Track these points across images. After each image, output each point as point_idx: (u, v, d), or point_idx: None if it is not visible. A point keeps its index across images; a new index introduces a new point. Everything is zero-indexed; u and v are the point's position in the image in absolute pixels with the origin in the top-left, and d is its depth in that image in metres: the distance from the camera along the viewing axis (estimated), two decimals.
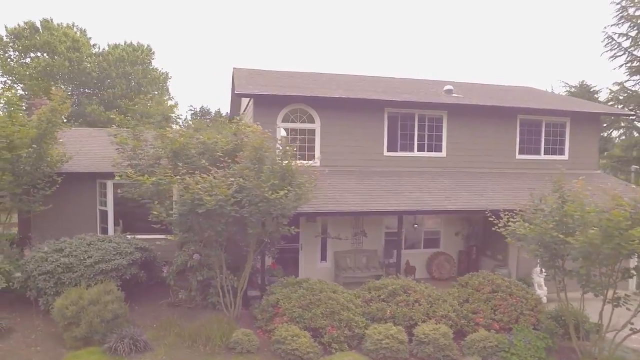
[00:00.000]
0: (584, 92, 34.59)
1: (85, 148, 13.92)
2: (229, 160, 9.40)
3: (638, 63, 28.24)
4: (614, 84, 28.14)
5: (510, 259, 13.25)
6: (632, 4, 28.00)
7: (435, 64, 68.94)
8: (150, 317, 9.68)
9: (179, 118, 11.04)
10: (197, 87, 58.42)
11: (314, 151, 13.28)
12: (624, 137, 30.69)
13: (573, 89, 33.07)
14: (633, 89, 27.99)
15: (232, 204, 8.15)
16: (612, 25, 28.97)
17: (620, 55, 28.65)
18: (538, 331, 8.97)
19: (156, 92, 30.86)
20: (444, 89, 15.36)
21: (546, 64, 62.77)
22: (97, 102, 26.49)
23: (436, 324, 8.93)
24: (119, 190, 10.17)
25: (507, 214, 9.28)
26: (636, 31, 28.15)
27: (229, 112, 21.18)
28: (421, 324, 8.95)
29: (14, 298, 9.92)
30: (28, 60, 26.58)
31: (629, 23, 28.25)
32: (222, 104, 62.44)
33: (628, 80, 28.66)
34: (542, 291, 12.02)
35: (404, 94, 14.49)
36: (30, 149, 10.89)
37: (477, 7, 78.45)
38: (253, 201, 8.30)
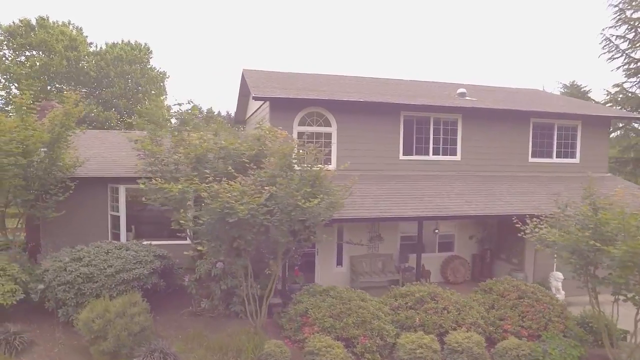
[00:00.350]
0: (575, 91, 35.04)
1: (92, 151, 13.56)
2: (254, 167, 9.20)
3: (635, 65, 28.65)
4: (613, 85, 28.49)
5: (527, 262, 13.26)
6: (629, 7, 28.35)
7: (430, 63, 69.18)
8: (173, 328, 9.45)
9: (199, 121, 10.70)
10: (194, 87, 57.76)
11: (330, 155, 13.13)
12: (620, 139, 31.08)
13: (566, 89, 33.46)
14: (631, 90, 28.41)
15: (263, 213, 7.95)
16: (609, 28, 29.25)
17: (617, 57, 29.03)
18: (567, 338, 8.94)
19: (153, 92, 30.35)
20: (457, 92, 15.32)
21: (538, 64, 63.42)
22: (95, 102, 25.93)
23: (467, 331, 8.87)
24: (144, 198, 9.84)
25: (534, 220, 9.24)
26: (633, 33, 28.53)
27: (234, 112, 20.84)
28: (452, 331, 8.88)
29: (30, 308, 9.58)
30: (23, 58, 25.88)
31: (627, 25, 28.61)
32: (218, 103, 61.85)
33: (625, 82, 29.10)
34: (560, 295, 12.04)
35: (419, 97, 14.41)
36: (42, 154, 10.55)
37: (469, 8, 78.89)
38: (285, 210, 8.12)
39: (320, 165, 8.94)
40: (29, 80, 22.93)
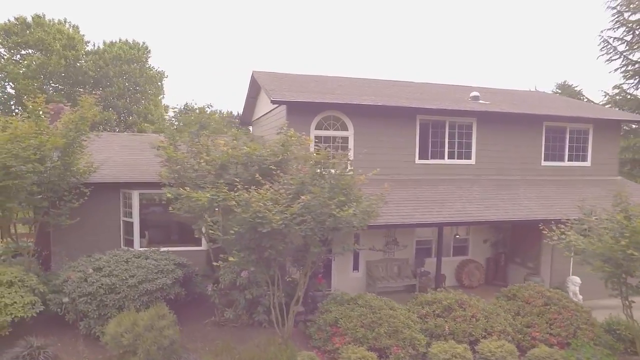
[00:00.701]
0: (568, 91, 35.49)
1: (103, 155, 13.15)
2: (282, 173, 9.02)
3: (632, 67, 29.01)
4: (613, 87, 28.83)
5: (543, 266, 13.27)
6: (627, 9, 28.66)
7: (419, 63, 69.38)
8: (198, 339, 9.22)
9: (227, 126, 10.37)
10: (190, 86, 57.04)
11: (347, 159, 12.96)
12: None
13: (559, 88, 33.86)
14: (628, 92, 28.81)
15: (297, 223, 7.78)
16: (608, 30, 29.55)
17: (615, 59, 29.39)
18: (598, 347, 8.93)
19: (150, 92, 29.84)
20: (471, 95, 15.27)
21: (528, 64, 63.98)
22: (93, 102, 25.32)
23: (497, 339, 8.80)
24: (170, 207, 9.46)
25: (560, 227, 9.22)
26: (631, 35, 28.88)
27: (233, 113, 20.59)
28: (482, 340, 8.81)
29: (49, 320, 9.29)
30: (18, 57, 25.18)
31: (624, 28, 28.93)
32: (215, 103, 61.23)
33: (623, 83, 29.50)
34: (577, 300, 12.07)
35: (433, 100, 14.33)
36: (56, 159, 10.20)
37: (459, 8, 79.30)
38: (318, 218, 7.95)
39: (350, 172, 8.78)
40: (26, 80, 22.35)
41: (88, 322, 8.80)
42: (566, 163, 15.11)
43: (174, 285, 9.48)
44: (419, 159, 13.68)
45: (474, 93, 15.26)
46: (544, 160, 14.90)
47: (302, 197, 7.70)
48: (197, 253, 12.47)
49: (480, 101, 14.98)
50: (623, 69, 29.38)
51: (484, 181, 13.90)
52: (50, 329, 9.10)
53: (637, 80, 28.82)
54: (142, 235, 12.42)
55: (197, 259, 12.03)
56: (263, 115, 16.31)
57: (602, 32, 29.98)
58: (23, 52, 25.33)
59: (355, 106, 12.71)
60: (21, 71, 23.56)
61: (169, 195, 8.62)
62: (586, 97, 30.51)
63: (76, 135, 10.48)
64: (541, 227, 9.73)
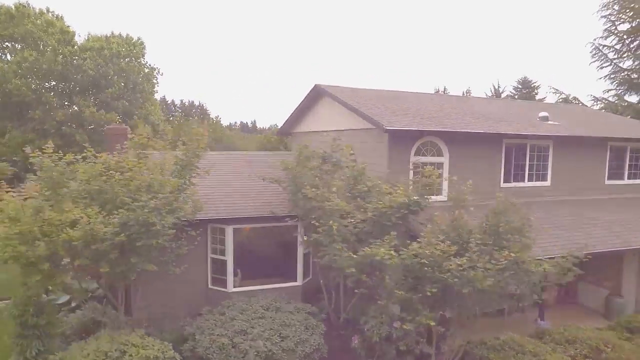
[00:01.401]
0: (525, 86, 37.38)
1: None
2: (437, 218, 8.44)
3: (622, 74, 30.81)
4: (614, 95, 30.42)
5: (625, 287, 13.56)
6: (617, 19, 30.27)
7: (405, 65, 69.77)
8: None
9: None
10: (187, 85, 53.35)
11: (441, 185, 12.53)
12: None
13: (520, 84, 35.45)
14: (613, 98, 30.64)
15: (500, 280, 7.27)
16: (600, 37, 31.10)
17: (606, 66, 31.07)
18: None
19: (146, 90, 27.42)
20: (540, 115, 15.34)
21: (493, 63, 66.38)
22: (93, 103, 22.79)
23: None
24: (352, 270, 7.95)
25: None
26: (621, 44, 30.60)
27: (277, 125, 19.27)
28: None
29: None
30: (4, 51, 21.99)
31: (614, 37, 30.58)
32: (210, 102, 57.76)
33: (611, 89, 31.32)
34: None
35: (514, 122, 14.20)
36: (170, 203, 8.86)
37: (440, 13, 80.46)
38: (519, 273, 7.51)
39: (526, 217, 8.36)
40: (20, 79, 19.56)
41: None
42: (626, 181, 15.62)
43: (325, 343, 8.65)
44: (503, 182, 13.53)
45: (543, 113, 15.33)
46: (608, 179, 15.31)
47: (513, 254, 7.18)
48: (293, 289, 11.63)
49: (550, 122, 15.07)
50: (613, 76, 31.13)
51: (562, 203, 13.98)
52: None
53: (626, 87, 30.69)
54: (234, 274, 11.31)
55: (293, 295, 11.19)
56: (322, 132, 15.39)
57: (594, 39, 31.48)
58: (6, 43, 22.08)
59: (453, 133, 12.27)
60: (9, 68, 20.27)
61: (354, 256, 7.62)
62: (581, 102, 32.07)
63: (188, 172, 9.18)
64: None
